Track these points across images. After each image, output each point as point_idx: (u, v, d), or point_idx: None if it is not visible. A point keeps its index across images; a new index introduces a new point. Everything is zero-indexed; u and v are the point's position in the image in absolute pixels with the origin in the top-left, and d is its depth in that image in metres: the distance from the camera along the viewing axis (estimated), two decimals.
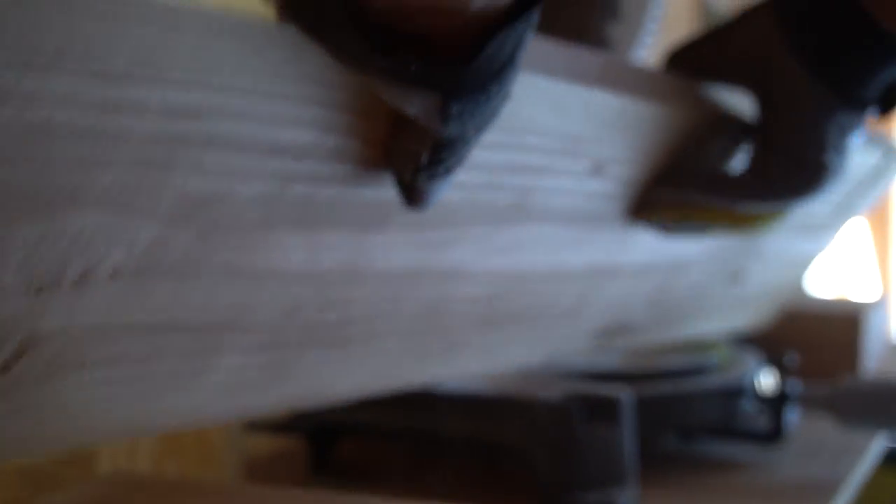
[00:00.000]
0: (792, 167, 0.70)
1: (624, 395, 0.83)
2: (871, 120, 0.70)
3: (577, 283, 0.78)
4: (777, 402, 1.00)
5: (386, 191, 0.51)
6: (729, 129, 0.74)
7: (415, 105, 0.42)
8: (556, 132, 0.62)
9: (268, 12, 0.42)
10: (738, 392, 0.98)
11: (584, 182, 0.68)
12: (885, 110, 0.69)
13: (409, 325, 0.64)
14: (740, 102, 0.76)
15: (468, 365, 0.76)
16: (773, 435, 1.00)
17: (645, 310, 0.91)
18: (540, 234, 0.69)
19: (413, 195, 0.49)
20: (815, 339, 1.19)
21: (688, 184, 0.73)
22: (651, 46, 1.07)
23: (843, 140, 0.69)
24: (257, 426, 0.96)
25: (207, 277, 0.47)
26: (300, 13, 0.41)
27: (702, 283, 0.95)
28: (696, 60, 0.76)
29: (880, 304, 1.37)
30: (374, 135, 0.48)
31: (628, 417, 0.83)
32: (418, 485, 0.92)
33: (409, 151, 0.47)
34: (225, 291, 0.49)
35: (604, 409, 0.82)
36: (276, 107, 0.44)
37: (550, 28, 1.04)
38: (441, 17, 0.39)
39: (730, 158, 0.76)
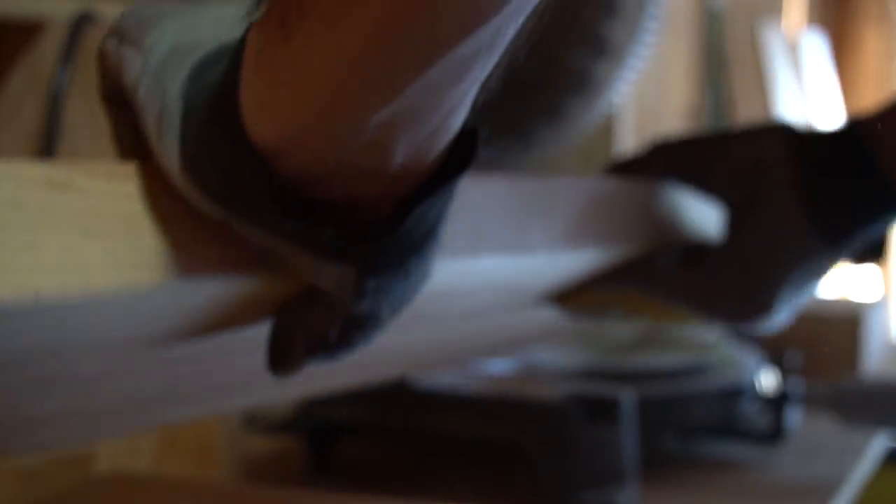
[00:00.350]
0: (738, 295, 0.67)
1: (624, 395, 0.83)
2: (838, 267, 0.68)
3: (459, 334, 0.74)
4: (778, 402, 1.00)
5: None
6: (681, 247, 0.70)
7: (327, 277, 0.38)
8: (476, 290, 0.57)
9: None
10: (739, 392, 0.98)
11: (494, 298, 0.63)
12: (856, 261, 0.67)
13: (232, 382, 0.62)
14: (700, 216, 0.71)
15: (291, 391, 0.74)
16: (774, 435, 1.00)
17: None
18: (429, 329, 0.65)
19: (288, 368, 0.43)
20: (816, 339, 1.18)
21: (626, 280, 0.69)
22: (650, 46, 1.07)
23: (804, 284, 0.67)
24: (257, 426, 0.96)
25: (17, 391, 0.46)
26: (206, 175, 0.37)
27: None
28: (685, 155, 0.72)
29: (881, 304, 1.36)
30: (257, 316, 0.43)
31: (628, 417, 0.82)
32: (418, 485, 0.92)
33: (313, 331, 0.41)
34: (34, 399, 0.48)
35: (604, 409, 0.82)
36: (142, 329, 0.41)
37: (549, 26, 1.04)
38: (358, 180, 0.36)
39: (676, 265, 0.71)
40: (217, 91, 0.37)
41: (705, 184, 0.70)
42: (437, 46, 0.33)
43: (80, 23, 0.86)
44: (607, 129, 1.35)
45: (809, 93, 3.55)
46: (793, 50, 3.55)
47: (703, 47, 3.06)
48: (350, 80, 0.34)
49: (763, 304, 0.67)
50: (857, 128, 0.67)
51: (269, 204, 0.36)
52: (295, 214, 0.36)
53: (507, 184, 0.53)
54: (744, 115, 3.21)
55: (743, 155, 0.69)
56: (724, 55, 3.13)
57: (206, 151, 0.37)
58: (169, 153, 0.38)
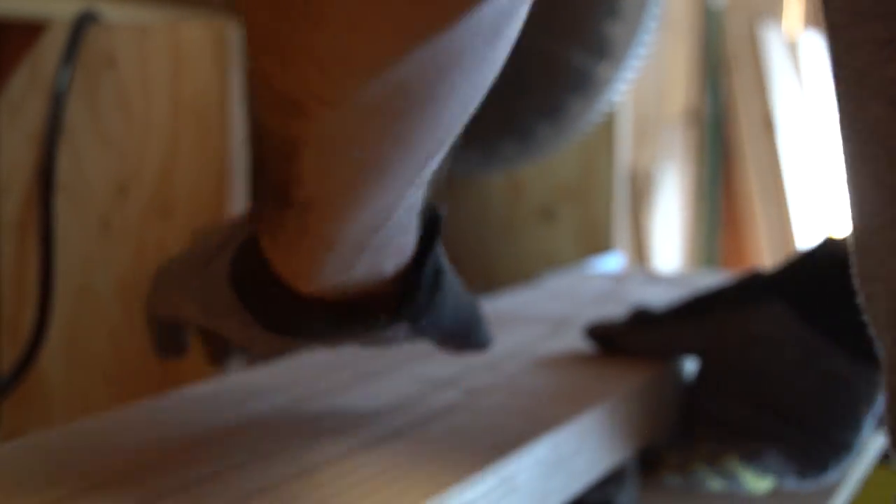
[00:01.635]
0: (826, 447, 0.70)
1: None
2: None
3: None
4: None
5: None
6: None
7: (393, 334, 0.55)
8: None
9: None
10: None
11: None
12: None
13: None
14: None
15: None
16: None
17: None
18: None
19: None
20: None
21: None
22: (650, 46, 1.08)
23: (865, 415, 0.70)
24: None
25: None
26: (276, 327, 0.53)
27: None
28: (676, 334, 0.75)
29: None
30: None
31: None
32: None
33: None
34: None
35: None
36: None
37: (551, 27, 1.05)
38: (369, 287, 0.52)
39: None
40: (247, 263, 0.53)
41: (705, 359, 0.74)
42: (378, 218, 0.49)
43: (82, 22, 0.86)
44: (607, 128, 1.36)
45: (809, 93, 3.55)
46: (792, 50, 3.55)
47: (702, 47, 3.07)
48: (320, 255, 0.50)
49: (841, 448, 0.71)
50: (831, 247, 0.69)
51: (325, 322, 0.53)
52: (342, 320, 0.53)
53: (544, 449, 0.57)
54: (744, 115, 3.22)
55: (738, 335, 0.71)
56: (724, 55, 3.14)
57: (267, 308, 0.53)
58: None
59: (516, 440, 0.56)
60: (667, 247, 2.95)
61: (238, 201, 0.83)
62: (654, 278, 1.11)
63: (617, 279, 1.11)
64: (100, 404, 0.87)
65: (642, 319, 0.76)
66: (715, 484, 0.73)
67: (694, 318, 0.74)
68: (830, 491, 0.92)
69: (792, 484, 0.72)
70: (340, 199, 0.47)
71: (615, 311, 0.92)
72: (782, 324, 0.69)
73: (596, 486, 0.70)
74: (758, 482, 0.72)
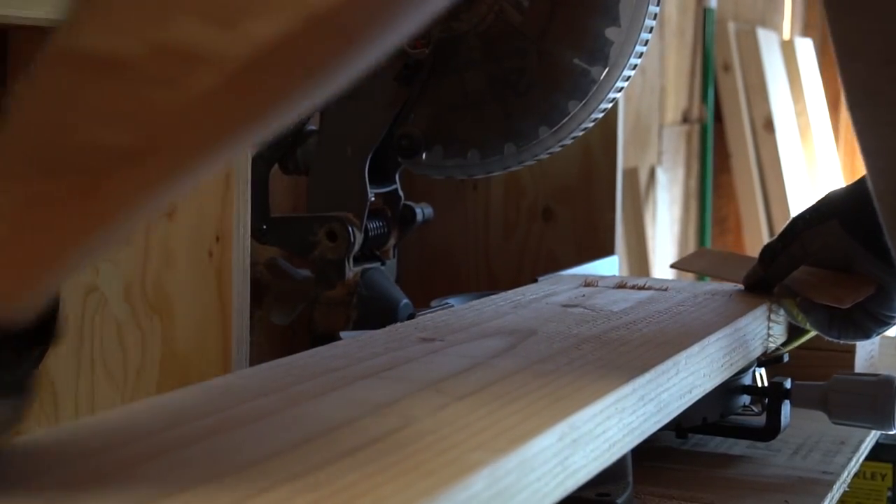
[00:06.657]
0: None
1: None
2: None
3: None
4: (771, 398, 1.00)
5: None
6: None
7: None
8: None
9: None
10: (733, 388, 0.99)
11: None
12: None
13: None
14: None
15: None
16: (768, 430, 1.01)
17: None
18: None
19: None
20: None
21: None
22: (649, 49, 1.09)
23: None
24: None
25: None
26: None
27: None
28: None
29: None
30: None
31: None
32: None
33: None
34: None
35: None
36: None
37: (550, 32, 1.06)
38: None
39: None
40: None
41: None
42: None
43: None
44: (606, 130, 1.37)
45: (803, 96, 3.56)
46: (787, 55, 3.56)
47: (701, 52, 3.07)
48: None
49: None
50: None
51: None
52: None
53: None
54: (741, 116, 3.22)
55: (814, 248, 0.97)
56: (722, 59, 3.15)
57: None
58: None
59: (513, 439, 0.57)
60: (665, 247, 2.96)
61: (240, 202, 0.84)
62: (625, 286, 1.09)
63: (586, 286, 1.09)
64: (106, 404, 0.88)
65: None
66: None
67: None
68: (823, 485, 0.93)
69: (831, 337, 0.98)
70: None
71: (581, 318, 0.90)
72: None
73: (595, 484, 0.70)
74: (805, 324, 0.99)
